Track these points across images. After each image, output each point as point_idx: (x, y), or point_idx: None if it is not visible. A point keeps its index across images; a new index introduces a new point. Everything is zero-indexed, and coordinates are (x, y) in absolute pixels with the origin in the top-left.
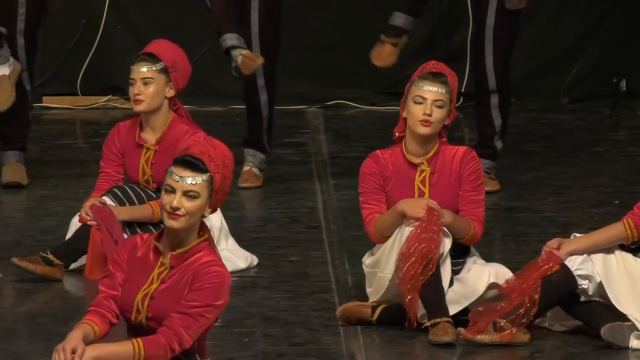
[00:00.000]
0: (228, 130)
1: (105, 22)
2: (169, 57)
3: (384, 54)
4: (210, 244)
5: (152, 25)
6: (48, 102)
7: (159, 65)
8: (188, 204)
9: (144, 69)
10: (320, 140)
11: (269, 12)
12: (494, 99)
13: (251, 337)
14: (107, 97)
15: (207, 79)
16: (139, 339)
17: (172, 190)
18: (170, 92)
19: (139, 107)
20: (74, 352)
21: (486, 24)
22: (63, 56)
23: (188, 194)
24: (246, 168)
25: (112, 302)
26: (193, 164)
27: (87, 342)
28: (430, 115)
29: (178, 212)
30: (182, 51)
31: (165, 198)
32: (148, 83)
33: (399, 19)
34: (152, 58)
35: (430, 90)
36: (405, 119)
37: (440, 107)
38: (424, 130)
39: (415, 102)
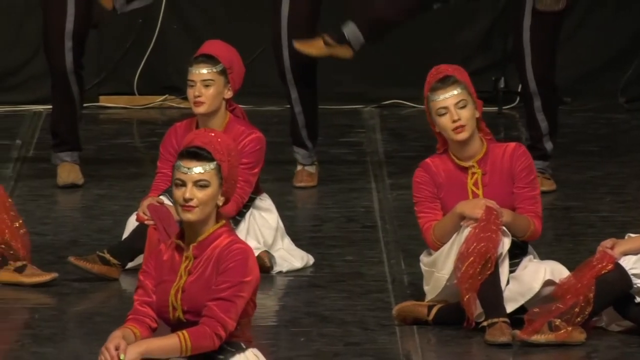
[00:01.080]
0: (284, 130)
1: (162, 21)
2: (226, 59)
3: (314, 45)
4: (229, 228)
5: (208, 25)
6: (105, 101)
7: (219, 67)
8: (200, 194)
9: (204, 71)
10: (376, 140)
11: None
12: (537, 102)
13: (307, 336)
14: (163, 97)
15: (263, 78)
16: (185, 331)
17: (183, 183)
18: (228, 94)
19: (200, 110)
20: (117, 349)
21: (523, 27)
22: (120, 56)
23: (198, 184)
24: (298, 167)
25: (148, 308)
26: (198, 154)
27: (129, 342)
28: (459, 119)
29: (191, 204)
30: (237, 52)
31: (177, 192)
32: (208, 85)
33: (352, 34)
34: (212, 60)
35: (446, 97)
36: (440, 133)
37: (463, 106)
38: (462, 136)
39: (440, 115)
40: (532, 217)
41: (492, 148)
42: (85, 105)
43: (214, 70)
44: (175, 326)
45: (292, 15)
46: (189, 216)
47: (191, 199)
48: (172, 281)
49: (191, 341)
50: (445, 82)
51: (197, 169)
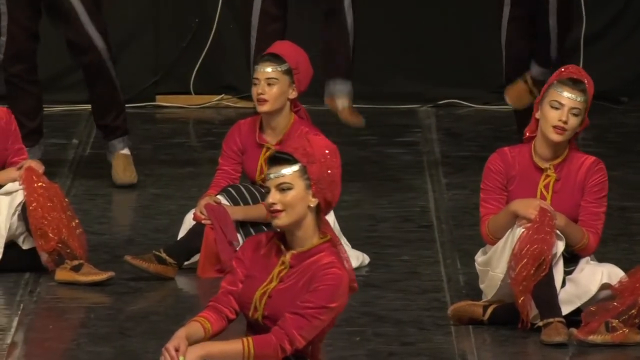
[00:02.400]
0: (340, 130)
1: (219, 21)
2: (293, 59)
3: (521, 93)
4: (333, 245)
5: None
6: (161, 101)
7: (284, 67)
8: (283, 197)
9: (269, 69)
10: (432, 140)
11: None
12: (552, 20)
13: (362, 336)
14: (220, 96)
15: (320, 78)
16: (249, 338)
17: (267, 191)
18: (293, 94)
19: (263, 108)
20: (177, 350)
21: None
22: (176, 55)
23: (280, 187)
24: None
25: (231, 298)
26: (280, 158)
27: (195, 339)
28: (565, 122)
29: (276, 208)
30: (306, 54)
31: (267, 199)
32: (272, 84)
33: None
34: (277, 59)
35: (569, 97)
36: (537, 120)
37: (576, 115)
38: (556, 137)
39: (552, 107)
40: (589, 232)
41: (572, 156)
42: (141, 104)
43: (279, 69)
44: (252, 325)
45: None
46: (277, 222)
47: (275, 204)
48: (262, 280)
49: (255, 349)
50: (577, 84)
51: (278, 173)
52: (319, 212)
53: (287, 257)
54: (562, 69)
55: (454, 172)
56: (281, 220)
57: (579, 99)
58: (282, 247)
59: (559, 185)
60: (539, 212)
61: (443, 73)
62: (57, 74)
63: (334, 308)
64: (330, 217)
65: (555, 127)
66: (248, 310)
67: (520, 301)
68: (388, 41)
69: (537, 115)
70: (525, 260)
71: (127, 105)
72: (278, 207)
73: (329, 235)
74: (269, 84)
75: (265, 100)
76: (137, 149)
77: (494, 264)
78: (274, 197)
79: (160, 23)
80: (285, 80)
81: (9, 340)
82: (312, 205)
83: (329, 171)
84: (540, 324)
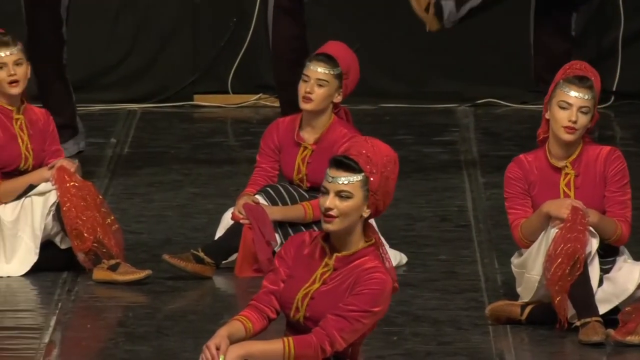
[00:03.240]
0: (379, 129)
1: (256, 20)
2: (345, 63)
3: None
4: (377, 249)
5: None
6: (199, 100)
7: (336, 70)
8: (341, 205)
9: (321, 70)
10: (470, 139)
11: None
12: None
13: (400, 335)
14: (257, 96)
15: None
16: (290, 338)
17: (326, 192)
18: (338, 98)
19: (307, 106)
20: (217, 348)
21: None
22: (214, 55)
23: (340, 194)
24: None
25: (272, 298)
26: (346, 164)
27: (237, 338)
28: (575, 122)
29: (331, 213)
30: (356, 58)
31: (321, 200)
32: (322, 85)
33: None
34: (331, 61)
35: (577, 97)
36: (548, 120)
37: (585, 113)
38: (568, 137)
39: (560, 107)
40: (620, 221)
41: (587, 149)
42: (179, 104)
43: (331, 72)
44: (292, 324)
45: None
46: (328, 226)
47: (331, 209)
48: (304, 280)
49: (295, 349)
50: (583, 82)
51: (341, 180)
52: (368, 217)
53: (332, 259)
54: (567, 67)
55: (491, 171)
56: (333, 226)
57: (586, 97)
58: (327, 248)
59: (579, 181)
60: (571, 211)
61: (481, 72)
62: (95, 73)
63: (377, 312)
64: None
65: (565, 127)
66: (289, 311)
67: (556, 302)
68: (427, 40)
69: (547, 115)
70: (559, 260)
71: (165, 105)
72: (333, 213)
73: (373, 238)
74: (318, 85)
75: (310, 100)
76: (175, 148)
77: (530, 266)
78: (332, 202)
79: (198, 23)
80: (335, 83)
81: (46, 340)
82: (364, 216)
83: (387, 182)
84: (578, 323)
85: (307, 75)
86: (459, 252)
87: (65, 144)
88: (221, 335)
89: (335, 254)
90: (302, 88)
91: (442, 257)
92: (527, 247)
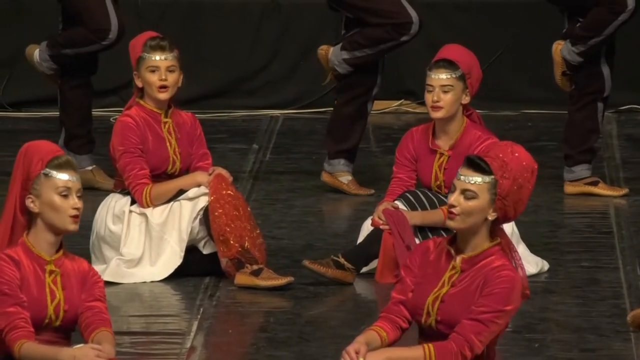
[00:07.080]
0: (521, 135)
1: None
2: (466, 64)
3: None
4: (503, 249)
5: (445, 29)
6: None
7: (458, 73)
8: (464, 203)
9: (443, 76)
10: (613, 145)
11: None
12: None
13: (542, 342)
14: (399, 102)
15: (500, 82)
16: (430, 345)
17: (454, 189)
18: (466, 99)
19: (437, 114)
20: (357, 352)
21: None
22: None
23: (465, 193)
24: None
25: (402, 308)
26: (476, 164)
27: (373, 347)
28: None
29: (453, 210)
30: (475, 57)
31: (449, 197)
32: (447, 91)
33: None
34: (451, 65)
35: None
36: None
37: (447, 91)
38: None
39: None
40: None
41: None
42: (322, 109)
43: (453, 76)
44: (425, 331)
45: None
46: (450, 223)
47: (455, 206)
48: (433, 285)
49: (436, 356)
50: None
51: (468, 179)
52: (496, 222)
53: (458, 261)
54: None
55: (635, 177)
56: (454, 223)
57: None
58: (452, 251)
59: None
60: None
61: (624, 78)
62: (238, 79)
63: (510, 311)
64: (509, 223)
65: (431, 107)
66: (421, 317)
67: None
68: None
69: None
70: None
71: (307, 111)
72: (455, 210)
73: (499, 238)
74: (444, 91)
75: (440, 107)
76: (317, 154)
77: None
78: (456, 199)
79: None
80: (460, 86)
81: (188, 344)
82: (489, 219)
83: (520, 190)
84: None
85: (430, 85)
86: (601, 259)
87: (79, 157)
88: (360, 341)
89: (460, 256)
90: (428, 98)
91: (584, 264)
92: None
